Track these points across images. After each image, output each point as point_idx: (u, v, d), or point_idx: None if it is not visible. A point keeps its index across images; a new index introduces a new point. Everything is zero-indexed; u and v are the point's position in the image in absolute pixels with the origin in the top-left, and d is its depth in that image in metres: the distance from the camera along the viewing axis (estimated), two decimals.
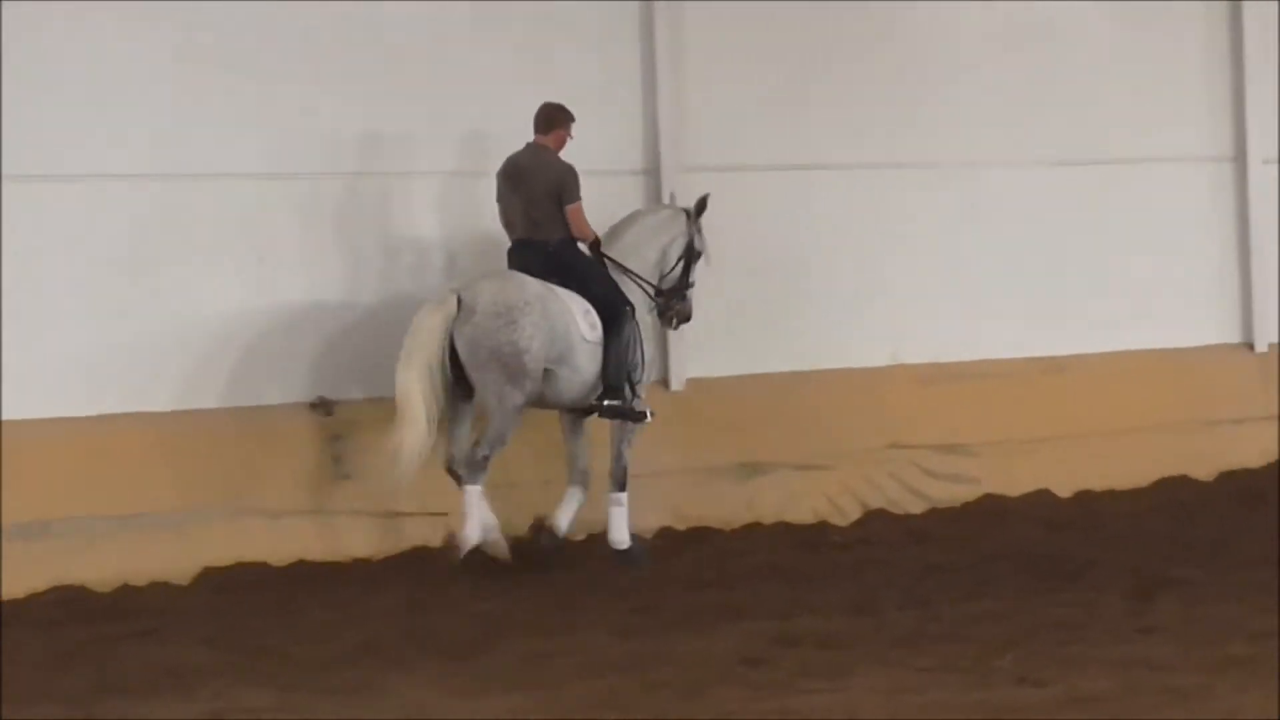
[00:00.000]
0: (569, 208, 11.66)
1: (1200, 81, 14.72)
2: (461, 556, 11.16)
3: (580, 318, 11.53)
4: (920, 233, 13.85)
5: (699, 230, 12.19)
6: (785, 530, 12.80)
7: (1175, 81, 14.62)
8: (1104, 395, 14.09)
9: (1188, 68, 14.67)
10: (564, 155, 11.85)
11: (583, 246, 11.85)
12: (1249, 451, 14.38)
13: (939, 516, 13.20)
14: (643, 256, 12.05)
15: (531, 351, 11.25)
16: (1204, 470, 14.18)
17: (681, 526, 12.68)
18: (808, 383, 13.35)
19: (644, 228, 12.13)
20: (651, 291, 12.03)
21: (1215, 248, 14.76)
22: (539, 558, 11.56)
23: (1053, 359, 14.19)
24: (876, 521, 13.13)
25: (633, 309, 11.75)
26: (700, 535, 12.58)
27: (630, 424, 11.75)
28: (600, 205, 12.04)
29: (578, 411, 11.86)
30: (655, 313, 12.14)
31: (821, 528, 12.93)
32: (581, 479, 11.87)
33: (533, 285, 11.43)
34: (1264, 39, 14.62)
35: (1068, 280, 14.29)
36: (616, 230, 12.07)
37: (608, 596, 10.80)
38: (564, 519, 11.78)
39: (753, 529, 12.77)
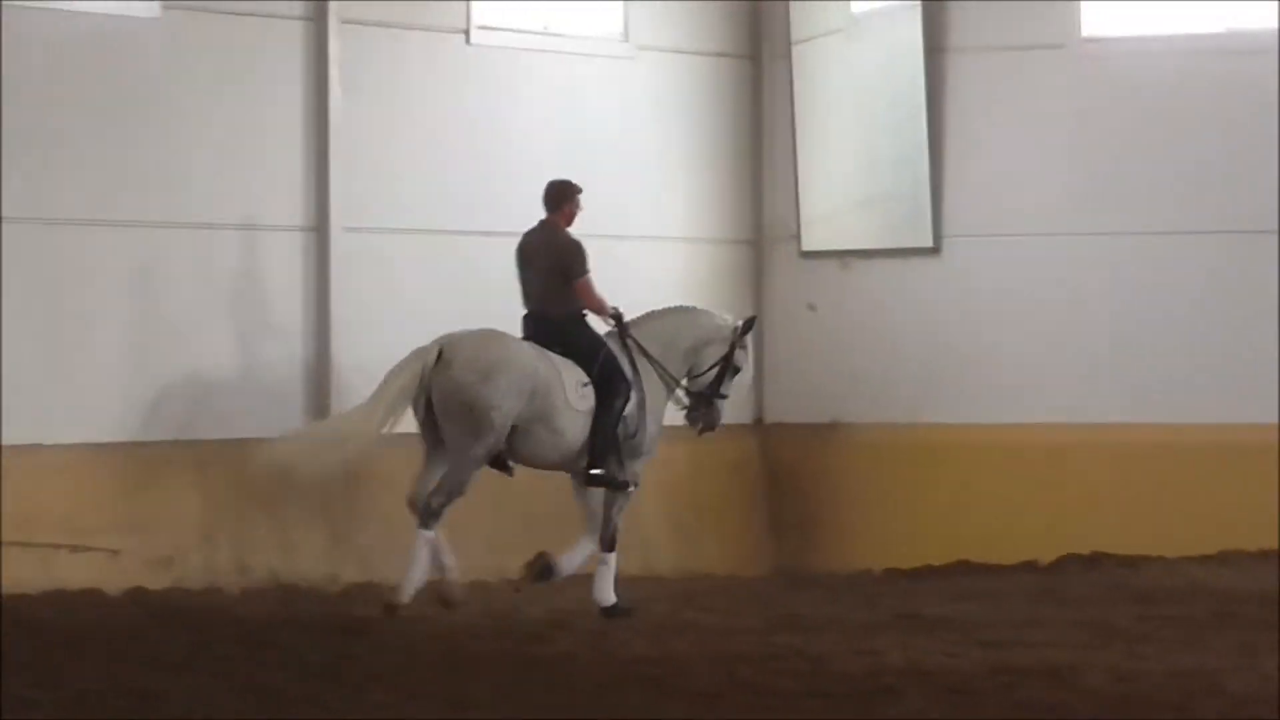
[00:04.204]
0: (577, 283, 12.62)
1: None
2: (395, 604, 12.03)
3: (570, 385, 12.40)
4: None
5: (743, 346, 13.08)
6: None
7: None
8: None
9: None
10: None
11: (593, 317, 12.76)
12: None
13: None
14: (675, 345, 12.92)
15: (502, 409, 12.18)
16: None
17: None
18: None
19: (685, 321, 13.06)
20: (671, 382, 12.88)
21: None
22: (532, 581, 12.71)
23: None
24: None
25: (628, 387, 12.61)
26: None
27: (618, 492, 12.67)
28: None
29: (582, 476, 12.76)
30: (684, 412, 13.02)
31: None
32: (593, 531, 12.73)
33: (517, 345, 12.43)
34: None
35: None
36: (658, 314, 13.03)
37: None
38: (568, 562, 12.68)
39: None
